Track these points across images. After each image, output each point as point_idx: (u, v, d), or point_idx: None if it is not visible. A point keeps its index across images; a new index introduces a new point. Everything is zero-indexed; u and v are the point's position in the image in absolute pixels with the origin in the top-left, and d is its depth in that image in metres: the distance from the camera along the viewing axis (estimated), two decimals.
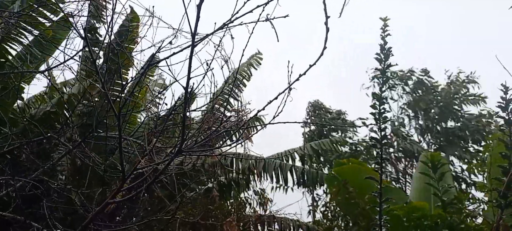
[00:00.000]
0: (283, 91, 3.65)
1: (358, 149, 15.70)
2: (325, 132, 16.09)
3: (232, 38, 4.25)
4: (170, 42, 4.68)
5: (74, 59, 5.86)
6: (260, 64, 9.67)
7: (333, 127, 15.26)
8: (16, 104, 7.30)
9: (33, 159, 7.04)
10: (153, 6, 5.07)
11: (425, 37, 32.42)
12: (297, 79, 3.61)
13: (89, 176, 7.32)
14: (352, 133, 16.32)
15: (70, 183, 7.28)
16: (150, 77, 8.73)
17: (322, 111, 17.67)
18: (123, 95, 5.02)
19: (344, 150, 14.43)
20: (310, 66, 3.49)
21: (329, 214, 7.42)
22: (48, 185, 6.74)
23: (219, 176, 8.01)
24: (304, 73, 3.57)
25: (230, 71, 4.14)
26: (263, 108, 3.84)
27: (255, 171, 8.21)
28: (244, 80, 9.34)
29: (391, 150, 15.60)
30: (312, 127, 16.63)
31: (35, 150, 7.28)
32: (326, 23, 3.30)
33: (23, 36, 6.52)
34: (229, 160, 8.18)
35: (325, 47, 3.35)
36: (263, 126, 6.12)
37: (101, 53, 5.87)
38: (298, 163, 9.31)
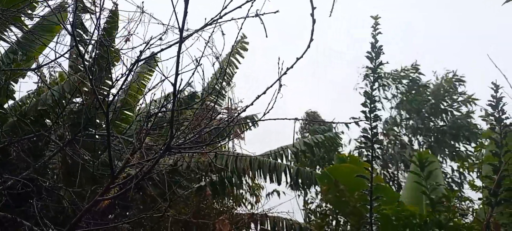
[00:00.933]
0: (272, 86, 3.66)
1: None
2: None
3: (223, 34, 4.25)
4: (160, 39, 4.67)
5: (64, 57, 5.84)
6: (247, 49, 9.47)
7: (324, 125, 15.23)
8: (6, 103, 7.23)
9: (24, 157, 6.99)
10: (143, 2, 5.05)
11: (423, 32, 32.40)
12: (285, 73, 3.61)
13: (80, 174, 7.29)
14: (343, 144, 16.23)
15: (61, 182, 7.23)
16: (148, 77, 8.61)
17: (316, 124, 17.60)
18: (111, 92, 4.99)
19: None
20: (297, 59, 3.50)
21: (319, 212, 7.42)
22: (39, 184, 6.70)
23: (212, 174, 7.96)
24: (291, 67, 3.58)
25: (220, 66, 4.12)
26: (252, 104, 3.84)
27: (250, 172, 8.17)
28: (232, 70, 9.22)
29: (380, 151, 15.57)
30: (306, 134, 16.62)
31: (26, 148, 7.23)
32: (312, 15, 3.30)
33: (7, 34, 6.48)
34: (225, 159, 8.13)
35: (311, 39, 3.36)
36: (254, 123, 6.11)
37: (90, 48, 5.84)
38: (291, 160, 9.28)
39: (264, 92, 3.70)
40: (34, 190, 6.45)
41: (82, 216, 4.27)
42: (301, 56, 3.44)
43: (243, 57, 9.43)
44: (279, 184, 8.84)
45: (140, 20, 5.10)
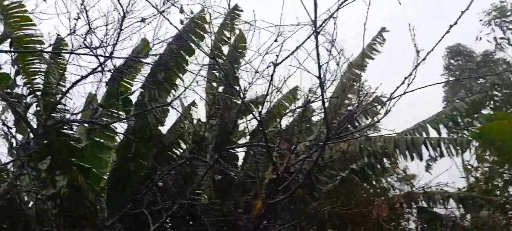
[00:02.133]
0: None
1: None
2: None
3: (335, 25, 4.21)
4: (276, 40, 4.86)
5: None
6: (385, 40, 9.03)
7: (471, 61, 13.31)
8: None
9: (180, 184, 7.62)
10: (254, 11, 5.24)
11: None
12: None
13: (229, 187, 7.74)
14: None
15: (215, 198, 7.72)
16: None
17: (462, 58, 15.59)
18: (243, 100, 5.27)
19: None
20: (451, 26, 3.36)
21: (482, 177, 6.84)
22: (198, 204, 7.26)
23: (360, 159, 7.75)
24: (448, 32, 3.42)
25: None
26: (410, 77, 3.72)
27: (389, 152, 7.79)
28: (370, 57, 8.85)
29: None
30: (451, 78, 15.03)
31: (180, 176, 7.86)
32: None
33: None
34: (357, 147, 7.88)
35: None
36: (393, 98, 5.88)
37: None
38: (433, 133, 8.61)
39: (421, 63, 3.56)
40: (198, 210, 7.02)
41: (263, 218, 4.49)
42: (455, 23, 3.26)
43: (382, 46, 8.98)
44: (421, 159, 8.28)
45: (254, 29, 5.35)
